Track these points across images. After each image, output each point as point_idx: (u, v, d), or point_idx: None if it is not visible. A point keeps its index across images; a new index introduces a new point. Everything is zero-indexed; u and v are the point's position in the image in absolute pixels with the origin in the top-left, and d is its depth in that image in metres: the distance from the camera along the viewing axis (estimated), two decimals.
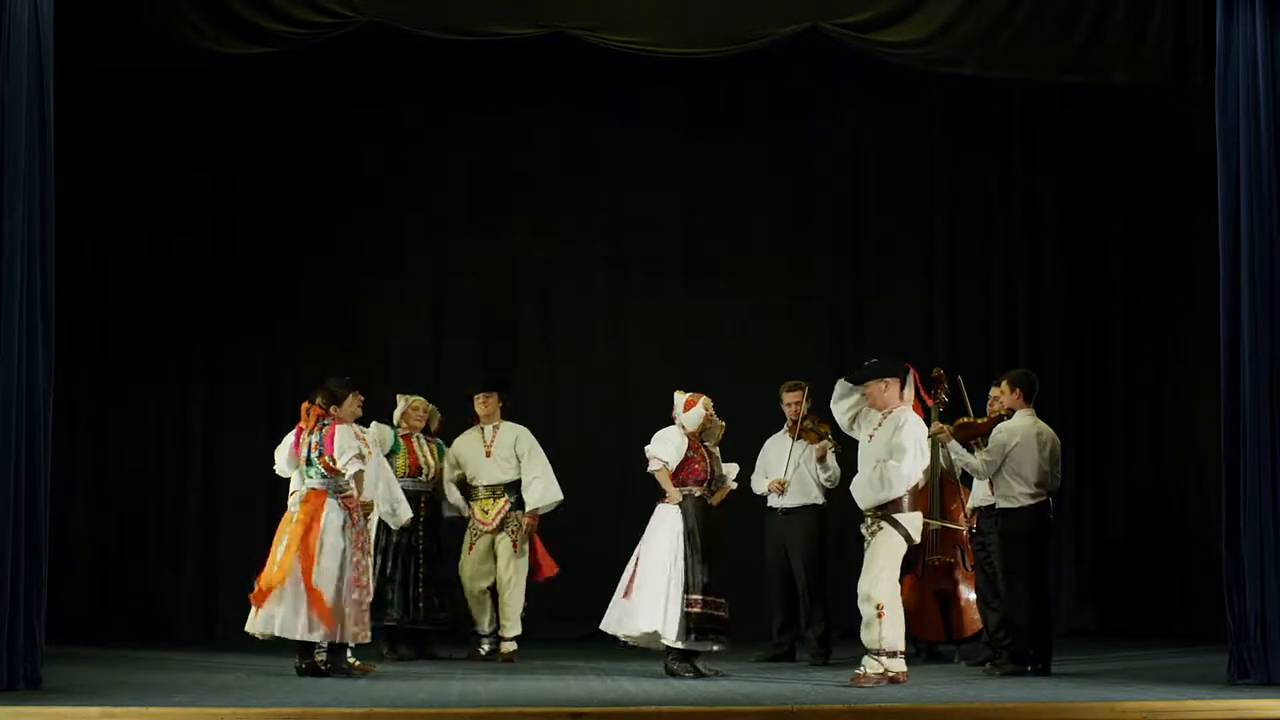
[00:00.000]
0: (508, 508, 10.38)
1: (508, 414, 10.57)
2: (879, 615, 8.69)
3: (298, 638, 8.98)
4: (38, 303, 8.31)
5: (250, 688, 8.58)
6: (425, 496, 10.42)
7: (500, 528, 10.37)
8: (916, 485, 8.82)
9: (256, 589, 9.00)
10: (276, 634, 9.01)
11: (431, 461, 10.44)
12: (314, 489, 9.08)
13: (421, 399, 10.49)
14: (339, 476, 9.03)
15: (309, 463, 9.08)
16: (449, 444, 10.63)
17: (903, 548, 8.83)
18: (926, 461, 8.92)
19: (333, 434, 9.05)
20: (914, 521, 8.84)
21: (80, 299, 11.59)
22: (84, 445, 11.90)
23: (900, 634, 8.78)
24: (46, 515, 8.34)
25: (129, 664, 9.82)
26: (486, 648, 10.41)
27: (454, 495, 10.47)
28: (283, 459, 9.29)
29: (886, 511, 8.77)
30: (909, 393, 8.97)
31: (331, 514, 9.03)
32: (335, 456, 8.99)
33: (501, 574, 10.37)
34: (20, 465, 8.17)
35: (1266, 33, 8.94)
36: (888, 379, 8.94)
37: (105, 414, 12.01)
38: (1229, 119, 9.00)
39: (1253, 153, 8.90)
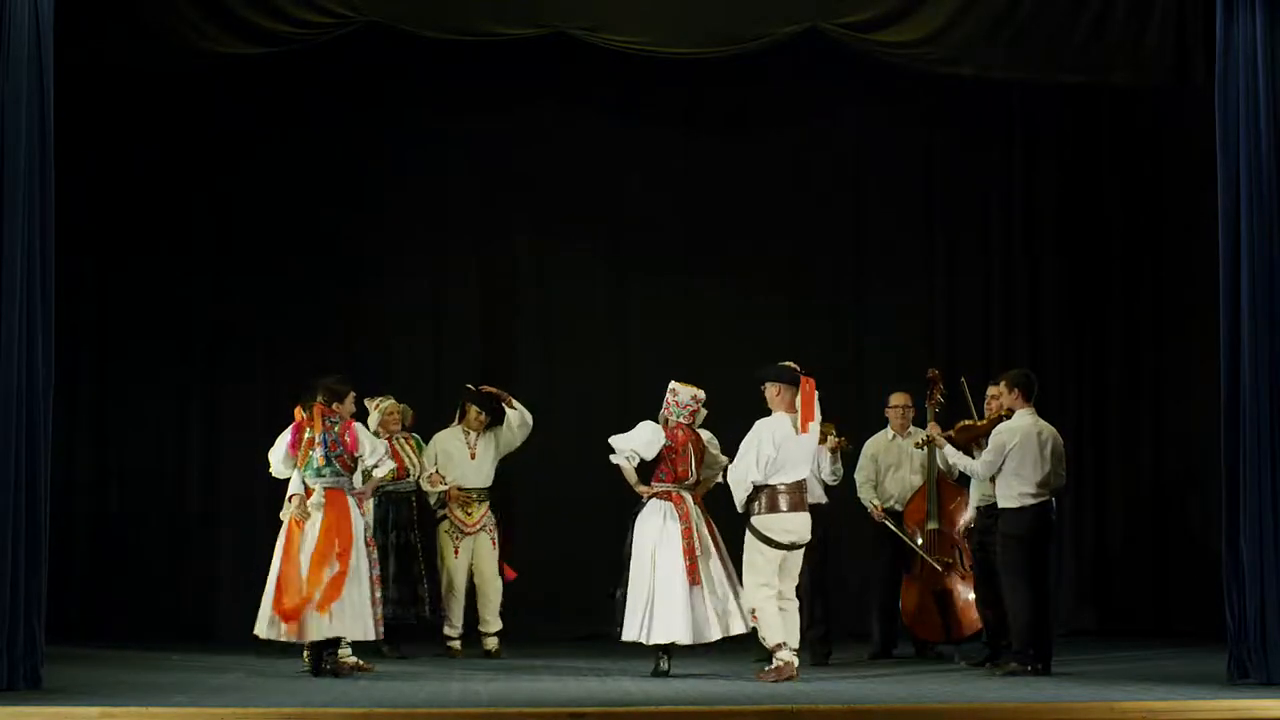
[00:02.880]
0: (488, 510, 10.62)
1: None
2: (753, 618, 9.03)
3: (356, 637, 9.14)
4: (38, 303, 8.32)
5: (250, 688, 8.59)
6: (414, 496, 10.55)
7: (479, 529, 10.59)
8: (755, 484, 9.02)
9: (304, 601, 8.96)
10: (327, 636, 9.07)
11: (415, 460, 10.57)
12: (330, 488, 9.09)
13: (391, 400, 10.52)
14: (352, 475, 9.07)
15: (327, 461, 9.08)
16: (428, 438, 10.76)
17: (764, 551, 9.03)
18: (757, 462, 9.03)
19: (354, 433, 9.12)
20: (767, 523, 9.02)
21: (80, 299, 11.57)
22: (84, 445, 11.89)
23: (775, 629, 8.98)
24: (46, 515, 8.35)
25: (129, 664, 9.83)
26: (459, 644, 10.54)
27: (430, 486, 10.56)
28: (278, 459, 9.27)
29: (747, 516, 9.06)
30: (798, 401, 9.11)
31: (356, 512, 9.15)
32: (365, 456, 9.11)
33: (485, 570, 10.57)
34: (20, 465, 8.18)
35: (1266, 33, 8.95)
36: (780, 384, 9.15)
37: (105, 414, 12.01)
38: (1229, 119, 9.01)
39: (1253, 153, 8.91)
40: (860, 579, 11.28)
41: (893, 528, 10.40)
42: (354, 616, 9.03)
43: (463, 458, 10.63)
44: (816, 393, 9.24)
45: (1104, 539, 12.52)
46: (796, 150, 12.59)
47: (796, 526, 9.11)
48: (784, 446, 9.04)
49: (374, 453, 9.17)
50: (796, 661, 9.12)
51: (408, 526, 10.47)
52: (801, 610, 10.19)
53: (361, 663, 9.36)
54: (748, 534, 9.10)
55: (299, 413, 9.24)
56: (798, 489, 9.12)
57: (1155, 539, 12.38)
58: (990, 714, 7.62)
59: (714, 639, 9.30)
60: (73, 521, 11.62)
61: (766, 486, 9.03)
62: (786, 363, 9.33)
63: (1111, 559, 12.50)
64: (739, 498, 9.13)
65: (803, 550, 9.23)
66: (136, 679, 8.93)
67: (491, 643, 10.55)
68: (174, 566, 12.02)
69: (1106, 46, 9.72)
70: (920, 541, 10.39)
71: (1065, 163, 12.75)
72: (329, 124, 12.18)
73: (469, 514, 10.58)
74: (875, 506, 10.50)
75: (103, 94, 11.32)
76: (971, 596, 10.13)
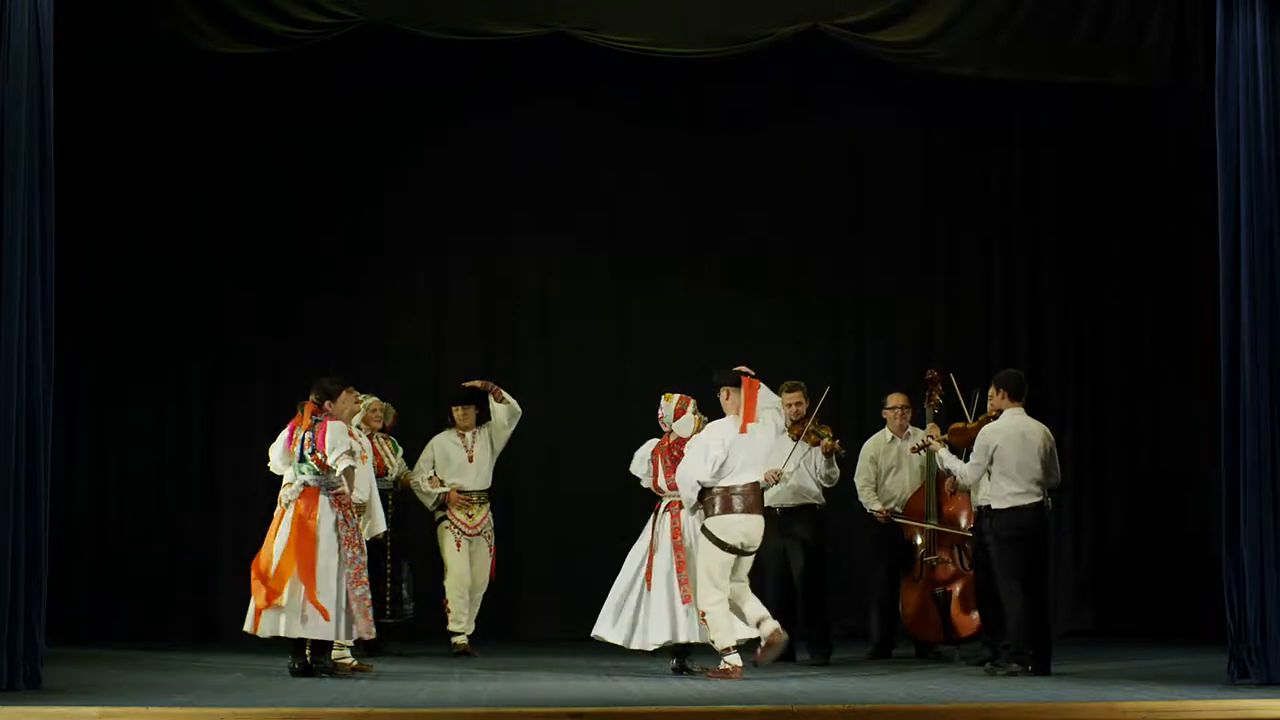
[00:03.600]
0: (489, 512, 10.72)
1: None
2: (702, 621, 9.09)
3: (305, 636, 8.98)
4: (38, 303, 8.31)
5: (250, 688, 8.58)
6: (392, 495, 10.57)
7: (479, 532, 10.66)
8: (701, 483, 9.12)
9: (262, 595, 8.95)
10: (281, 634, 8.99)
11: (394, 460, 10.61)
12: (307, 485, 9.08)
13: (374, 399, 10.52)
14: (330, 473, 9.04)
15: (302, 459, 9.07)
16: (421, 439, 10.79)
17: (718, 554, 9.11)
18: (704, 462, 9.14)
19: (325, 430, 9.06)
20: (723, 525, 9.12)
21: (80, 299, 11.59)
22: (84, 445, 11.89)
23: (725, 632, 9.06)
24: (46, 515, 8.34)
25: (129, 664, 9.83)
26: (464, 640, 10.57)
27: (429, 489, 10.65)
28: (276, 456, 9.26)
29: (703, 520, 9.15)
30: (741, 402, 9.26)
31: (324, 512, 9.04)
32: (326, 453, 9.00)
33: (478, 578, 10.67)
34: (20, 465, 8.17)
35: (1266, 33, 8.95)
36: (729, 388, 9.33)
37: (105, 414, 12.01)
38: (1229, 119, 9.01)
39: (1253, 153, 8.91)
40: (860, 579, 11.28)
41: (903, 520, 10.39)
42: (316, 617, 8.94)
43: (461, 461, 10.70)
44: (771, 394, 9.40)
45: (1104, 539, 12.53)
46: (796, 150, 12.58)
47: (749, 529, 9.18)
48: (733, 448, 9.15)
49: (333, 450, 9.02)
50: (775, 624, 9.17)
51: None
52: (799, 610, 10.25)
53: (359, 663, 9.35)
54: (701, 538, 9.18)
55: (301, 407, 9.23)
56: (752, 491, 9.20)
57: (1155, 539, 12.38)
58: (990, 714, 7.61)
59: (651, 646, 9.30)
60: (73, 521, 11.62)
61: (721, 489, 9.13)
62: (739, 367, 9.41)
63: (1111, 559, 12.50)
64: (686, 498, 9.23)
65: (753, 556, 9.29)
66: (136, 679, 8.93)
67: (462, 640, 10.60)
68: (174, 567, 12.02)
69: (1106, 47, 9.73)
70: (920, 541, 10.39)
71: (1065, 163, 12.76)
72: (329, 124, 12.19)
73: (470, 516, 10.64)
74: (879, 510, 10.49)
75: (103, 94, 11.33)
76: (971, 596, 10.12)
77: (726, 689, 8.59)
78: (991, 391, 9.50)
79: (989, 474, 9.29)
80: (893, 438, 10.64)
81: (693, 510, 9.25)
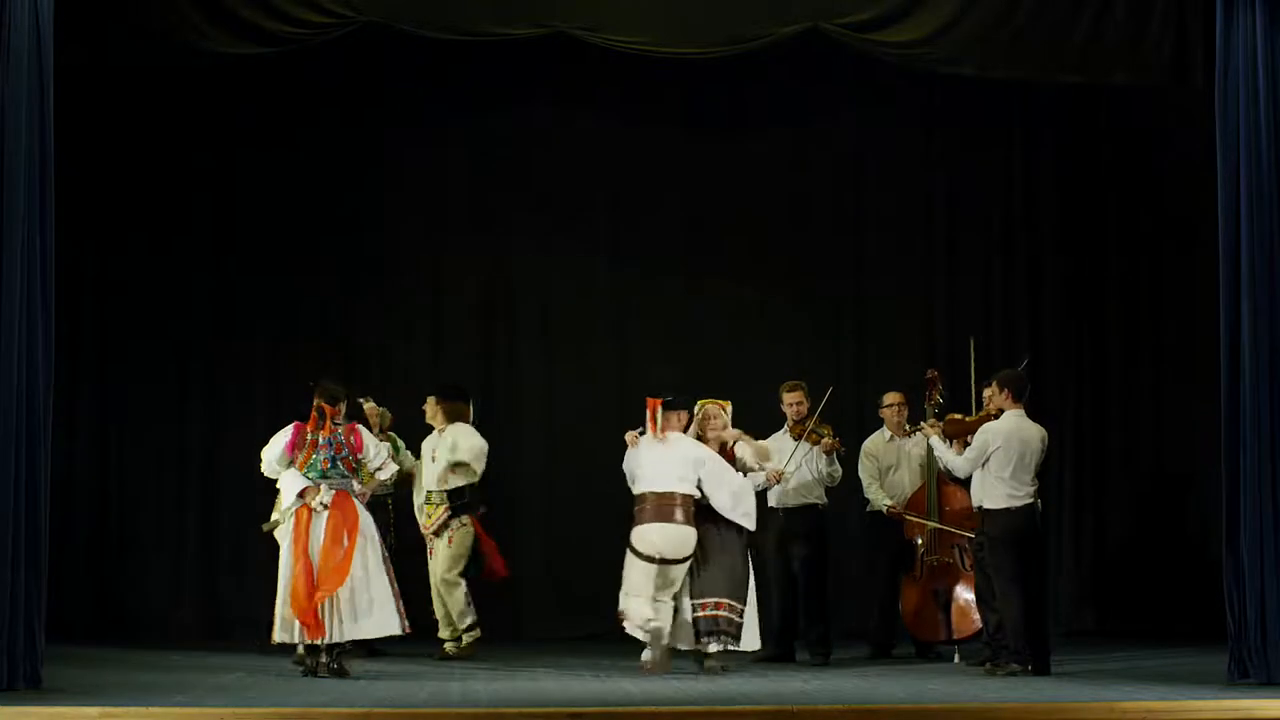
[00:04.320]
0: (446, 515, 10.40)
1: (460, 416, 10.56)
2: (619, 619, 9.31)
3: (377, 635, 9.10)
4: (38, 302, 8.31)
5: (250, 688, 8.58)
6: (391, 499, 10.49)
7: (438, 533, 10.42)
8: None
9: (325, 599, 8.94)
10: (373, 636, 9.10)
11: (399, 459, 10.49)
12: (340, 490, 9.08)
13: (371, 403, 10.48)
14: (356, 478, 9.07)
15: (332, 463, 9.07)
16: (417, 440, 10.70)
17: (635, 562, 9.25)
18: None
19: (360, 436, 9.16)
20: (636, 534, 9.28)
21: (80, 299, 11.60)
22: (84, 445, 11.89)
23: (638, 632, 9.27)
24: (46, 515, 8.34)
25: (129, 664, 9.81)
26: (451, 648, 10.42)
27: (418, 499, 10.58)
28: (274, 458, 9.19)
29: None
30: (661, 422, 9.45)
31: (364, 513, 9.13)
32: (369, 460, 9.14)
33: (446, 575, 10.36)
34: (20, 465, 8.16)
35: (1266, 33, 8.95)
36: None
37: (105, 414, 12.01)
38: (1229, 119, 9.00)
39: (1252, 153, 8.90)
40: (860, 578, 11.28)
41: (912, 517, 10.36)
42: (377, 614, 8.99)
43: (426, 461, 10.53)
44: (661, 411, 9.46)
45: (1104, 539, 12.52)
46: (796, 150, 12.58)
47: (659, 538, 9.21)
48: (642, 460, 9.38)
49: (378, 455, 9.19)
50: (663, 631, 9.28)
51: (384, 529, 10.38)
52: (800, 610, 10.25)
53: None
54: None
55: (321, 411, 9.19)
56: (668, 502, 9.24)
57: (1155, 539, 12.38)
58: (990, 714, 7.61)
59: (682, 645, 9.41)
60: (73, 521, 11.62)
61: (639, 496, 9.33)
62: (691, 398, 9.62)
63: (1111, 559, 12.49)
64: None
65: (683, 565, 9.26)
66: (136, 679, 8.92)
67: (450, 647, 10.43)
68: (174, 566, 12.03)
69: (1106, 46, 9.73)
70: (921, 540, 10.38)
71: (1065, 163, 12.76)
72: (329, 124, 12.19)
73: (428, 516, 10.46)
74: (890, 505, 10.44)
75: (103, 94, 11.33)
76: (971, 596, 10.12)
77: (727, 689, 8.59)
78: (995, 389, 9.50)
79: (984, 470, 9.28)
80: (891, 436, 10.64)
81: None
